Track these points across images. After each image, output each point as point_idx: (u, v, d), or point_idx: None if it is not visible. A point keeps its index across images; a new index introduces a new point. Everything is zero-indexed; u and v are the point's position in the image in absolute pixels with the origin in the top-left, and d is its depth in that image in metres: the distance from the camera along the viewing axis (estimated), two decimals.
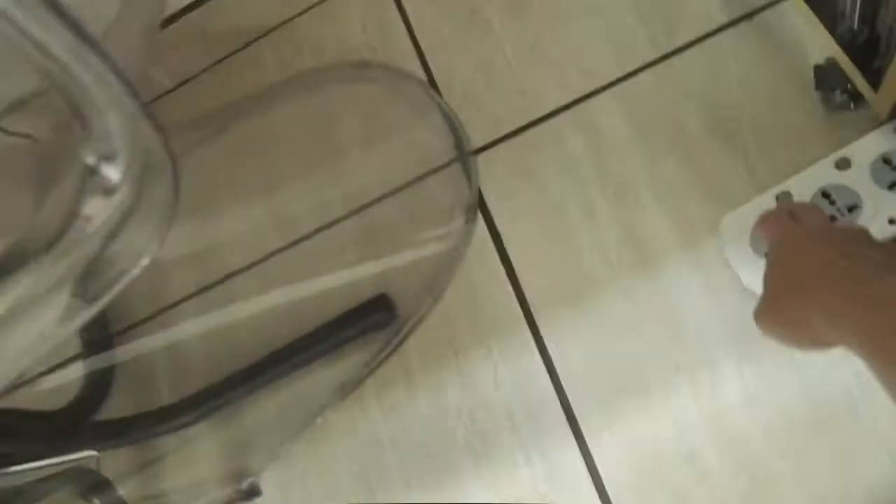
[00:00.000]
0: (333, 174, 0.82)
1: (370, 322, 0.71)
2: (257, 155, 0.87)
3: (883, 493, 0.55)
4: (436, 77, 0.82)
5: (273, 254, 0.80)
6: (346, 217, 0.79)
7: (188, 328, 0.81)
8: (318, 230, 0.79)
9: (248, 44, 0.94)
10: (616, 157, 0.71)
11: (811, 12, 0.62)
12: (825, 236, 0.45)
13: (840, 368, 0.58)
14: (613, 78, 0.74)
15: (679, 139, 0.69)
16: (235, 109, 0.92)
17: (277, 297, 0.78)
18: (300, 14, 0.93)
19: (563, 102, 0.75)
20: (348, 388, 0.70)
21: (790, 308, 0.44)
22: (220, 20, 0.99)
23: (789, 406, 0.58)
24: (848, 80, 0.60)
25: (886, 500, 0.54)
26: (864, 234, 0.45)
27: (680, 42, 0.72)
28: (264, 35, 0.94)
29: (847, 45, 0.60)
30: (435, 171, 0.77)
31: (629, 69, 0.73)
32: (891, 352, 0.34)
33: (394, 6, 0.87)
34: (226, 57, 0.95)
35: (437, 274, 0.73)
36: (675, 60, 0.72)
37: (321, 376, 0.72)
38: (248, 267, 0.81)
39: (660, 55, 0.73)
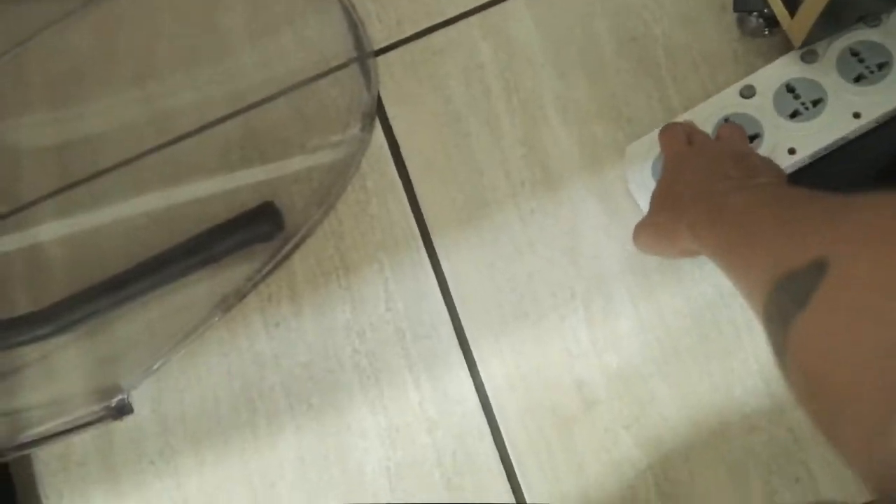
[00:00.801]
0: (217, 67, 0.73)
1: (254, 232, 0.66)
2: (131, 37, 0.77)
3: (753, 418, 0.57)
4: None
5: (147, 152, 0.72)
6: (230, 116, 0.71)
7: (48, 230, 0.73)
8: (200, 129, 0.72)
9: None
10: (525, 69, 0.66)
11: None
12: (707, 158, 0.50)
13: (728, 300, 0.58)
14: None
15: (592, 55, 0.65)
16: None
17: (151, 200, 0.70)
18: None
19: (473, 5, 0.69)
20: (230, 302, 0.65)
21: (663, 222, 0.50)
22: None
23: (677, 334, 0.58)
24: (766, 3, 0.58)
25: (754, 425, 0.57)
26: (738, 156, 0.49)
27: None
28: None
29: None
30: (331, 71, 0.70)
31: None
32: (737, 262, 0.39)
33: None
34: None
35: (329, 184, 0.67)
36: None
37: (200, 288, 0.66)
38: (119, 165, 0.73)
39: None
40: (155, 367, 0.65)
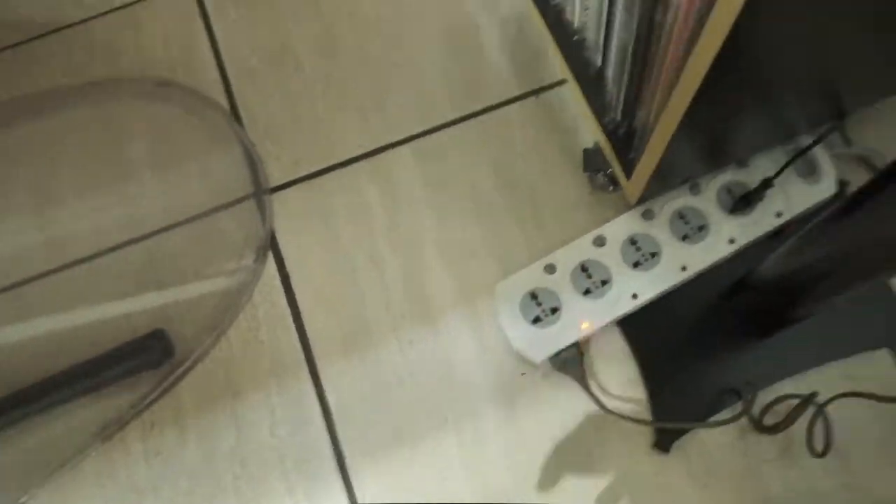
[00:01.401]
0: (118, 195, 0.77)
1: (142, 360, 0.68)
2: (33, 163, 0.80)
3: None
4: (239, 107, 0.80)
5: (40, 276, 0.74)
6: (127, 243, 0.74)
7: None
8: (96, 255, 0.74)
9: (35, 38, 0.86)
10: (408, 210, 0.73)
11: (584, 99, 0.69)
12: None
13: (577, 424, 0.64)
14: (413, 133, 0.77)
15: (468, 200, 0.73)
16: (12, 108, 0.84)
17: (39, 325, 0.71)
18: (98, 16, 0.87)
19: (363, 150, 0.76)
20: (111, 430, 0.66)
21: None
22: (7, 7, 0.90)
23: (539, 456, 0.64)
24: (608, 165, 0.68)
25: None
26: None
27: (477, 107, 0.77)
28: (55, 31, 0.87)
29: (610, 133, 0.67)
30: (229, 205, 0.75)
31: (429, 126, 0.77)
32: None
33: (202, 27, 0.84)
34: (8, 48, 0.86)
35: (221, 311, 0.71)
36: (471, 123, 0.77)
37: (81, 415, 0.67)
38: (9, 288, 0.74)
39: (458, 116, 0.77)
40: (22, 500, 0.64)
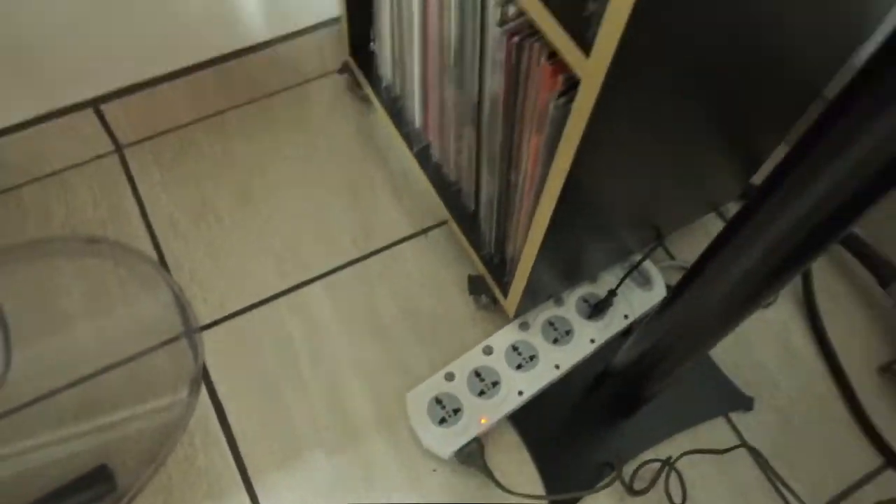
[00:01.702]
0: (55, 344, 0.84)
1: (87, 496, 0.73)
2: None
3: None
4: (166, 256, 0.90)
5: None
6: (66, 387, 0.81)
7: None
8: (36, 400, 0.80)
9: None
10: (325, 337, 0.85)
11: (463, 236, 0.85)
12: None
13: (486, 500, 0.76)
14: (323, 270, 0.90)
15: (375, 325, 0.86)
16: None
17: None
18: (29, 182, 0.96)
19: (281, 288, 0.88)
20: None
21: None
22: None
23: None
24: (489, 288, 0.84)
25: None
26: None
27: (376, 245, 0.92)
28: None
29: (487, 263, 0.83)
30: (161, 344, 0.84)
31: (336, 264, 0.90)
32: None
33: (128, 187, 0.95)
34: None
35: (159, 444, 0.78)
36: (373, 259, 0.91)
37: None
38: None
39: (360, 255, 0.91)
40: None
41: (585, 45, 0.46)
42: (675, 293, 0.61)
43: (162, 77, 0.92)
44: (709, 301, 0.57)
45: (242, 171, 0.97)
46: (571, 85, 0.52)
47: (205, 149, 0.98)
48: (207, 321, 0.86)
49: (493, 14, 0.57)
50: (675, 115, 0.60)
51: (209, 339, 0.85)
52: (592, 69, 0.46)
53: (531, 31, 0.55)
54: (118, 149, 0.98)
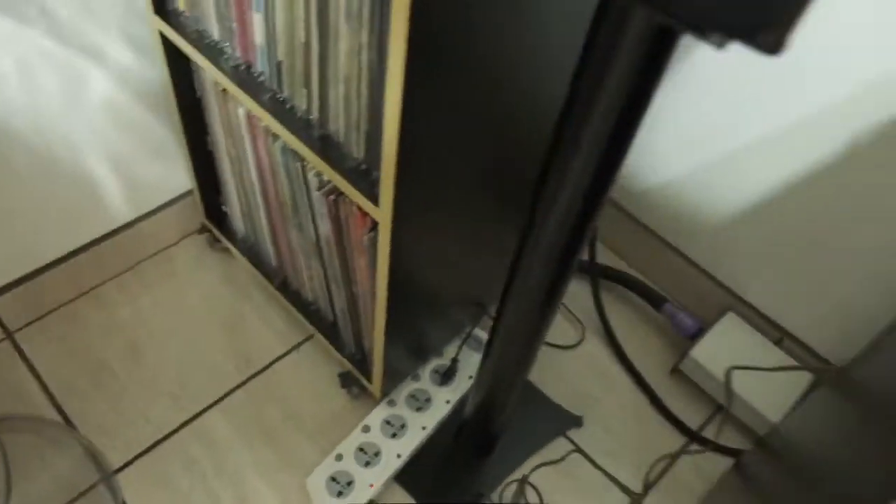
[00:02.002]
0: None
1: None
2: None
3: None
4: (71, 417, 1.02)
5: None
6: None
7: None
8: None
9: None
10: (227, 453, 1.00)
11: (328, 343, 1.05)
12: None
13: None
14: (215, 398, 1.06)
15: (269, 432, 1.03)
16: None
17: None
18: None
19: (181, 421, 1.03)
20: None
21: None
22: None
23: None
24: (358, 380, 1.03)
25: None
26: None
27: (257, 367, 1.09)
28: None
29: (352, 360, 1.03)
30: (80, 495, 0.96)
31: (225, 391, 1.07)
32: None
33: (24, 366, 1.07)
34: None
35: None
36: (255, 380, 1.08)
37: None
38: None
39: (245, 378, 1.08)
40: None
41: (375, 200, 0.69)
42: (484, 351, 0.84)
43: (43, 267, 1.07)
44: (506, 351, 0.80)
45: (128, 331, 1.12)
46: (375, 224, 0.76)
47: (90, 318, 1.12)
48: (120, 464, 0.99)
49: (313, 182, 0.80)
50: (456, 228, 0.85)
51: (125, 479, 0.98)
52: (383, 214, 0.69)
53: (341, 191, 0.78)
54: (9, 335, 1.09)
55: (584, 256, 1.24)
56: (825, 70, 0.87)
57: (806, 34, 0.86)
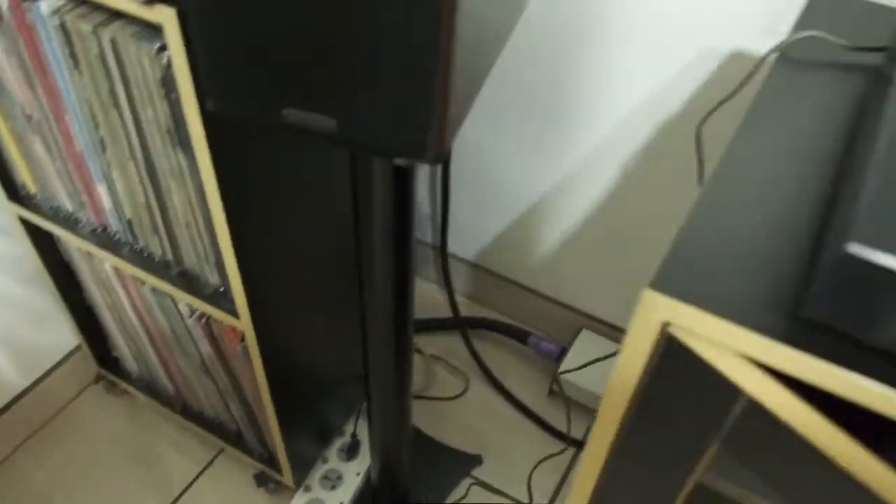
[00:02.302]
0: None
1: None
2: None
3: None
4: None
5: None
6: None
7: None
8: None
9: None
10: None
11: (239, 451, 1.14)
12: None
13: None
14: None
15: None
16: None
17: None
18: None
19: None
20: None
21: None
22: None
23: None
24: (272, 476, 1.13)
25: None
26: None
27: (178, 491, 1.16)
28: None
29: (262, 460, 1.13)
30: None
31: None
32: None
33: None
34: None
35: None
36: (179, 501, 1.15)
37: None
38: None
39: (170, 502, 1.15)
40: None
41: (236, 314, 0.82)
42: (367, 419, 0.97)
43: None
44: (382, 414, 0.93)
45: (45, 495, 1.17)
46: (244, 334, 0.88)
47: (5, 492, 1.17)
48: None
49: (185, 311, 0.92)
50: (315, 318, 0.99)
51: None
52: (245, 324, 0.82)
53: (209, 313, 0.90)
54: None
55: (450, 314, 1.39)
56: (589, 122, 1.08)
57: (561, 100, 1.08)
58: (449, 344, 1.39)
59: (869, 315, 0.30)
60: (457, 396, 1.31)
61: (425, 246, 1.45)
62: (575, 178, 1.15)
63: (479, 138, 1.22)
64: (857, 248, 0.29)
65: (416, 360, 1.36)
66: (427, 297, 1.48)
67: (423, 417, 1.27)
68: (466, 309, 1.46)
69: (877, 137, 0.35)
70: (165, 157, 0.71)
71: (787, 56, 0.53)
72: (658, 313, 0.37)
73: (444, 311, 1.44)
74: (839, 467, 0.32)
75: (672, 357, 0.38)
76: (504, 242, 1.33)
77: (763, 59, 0.53)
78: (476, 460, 1.22)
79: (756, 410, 0.35)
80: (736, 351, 0.35)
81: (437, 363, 1.36)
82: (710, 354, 0.36)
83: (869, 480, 0.32)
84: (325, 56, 0.44)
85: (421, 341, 1.40)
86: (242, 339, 0.89)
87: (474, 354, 1.36)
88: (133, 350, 1.15)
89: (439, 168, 1.27)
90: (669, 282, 0.36)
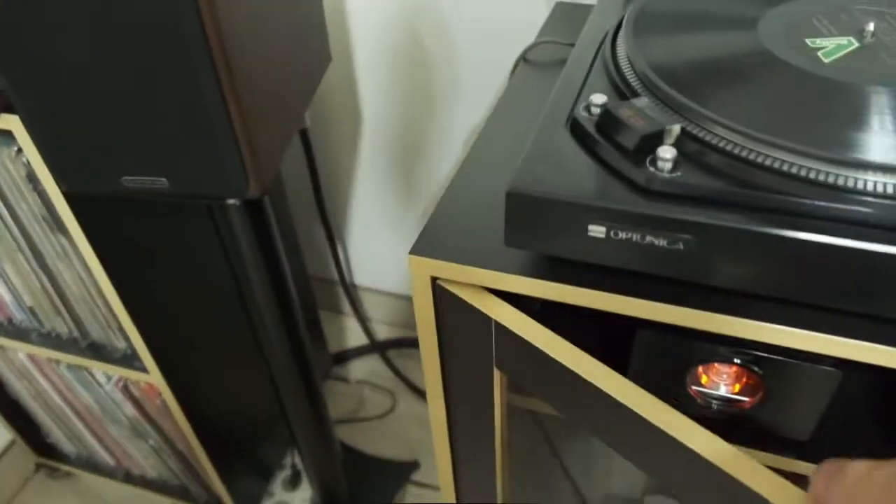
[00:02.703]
0: None
1: None
2: None
3: None
4: None
5: None
6: None
7: None
8: None
9: None
10: None
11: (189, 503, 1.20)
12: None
13: None
14: None
15: None
16: None
17: None
18: None
19: None
20: None
21: None
22: None
23: None
24: None
25: None
26: None
27: None
28: None
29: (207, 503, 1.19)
30: None
31: None
32: None
33: None
34: None
35: None
36: None
37: None
38: None
39: None
40: None
41: (146, 371, 0.90)
42: (297, 447, 1.05)
43: None
44: (306, 437, 1.02)
45: None
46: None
47: None
48: None
49: (103, 380, 0.99)
50: (223, 361, 1.07)
51: None
52: (156, 378, 0.90)
53: (124, 377, 0.98)
54: None
55: (365, 340, 1.49)
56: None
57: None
58: (372, 367, 1.48)
59: (544, 234, 0.42)
60: (387, 413, 1.40)
61: (333, 283, 1.55)
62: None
63: (348, 175, 1.33)
64: (514, 186, 0.41)
65: (343, 387, 1.45)
66: (349, 329, 1.57)
67: (358, 438, 1.36)
68: (386, 332, 1.55)
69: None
70: (48, 243, 0.80)
71: (528, 59, 0.66)
72: (424, 270, 0.48)
73: (364, 339, 1.53)
74: (573, 372, 0.44)
75: (445, 302, 0.49)
76: (403, 262, 1.44)
77: (515, 65, 0.66)
78: (414, 466, 1.31)
79: (504, 332, 0.47)
80: (480, 286, 0.47)
81: (364, 386, 1.45)
82: (465, 293, 0.47)
83: (598, 383, 0.43)
84: (137, 127, 0.54)
85: (345, 370, 1.49)
86: (160, 395, 0.97)
87: (395, 371, 1.46)
88: (66, 432, 1.21)
89: (315, 204, 1.37)
90: (426, 244, 0.48)
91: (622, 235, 0.39)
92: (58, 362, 1.00)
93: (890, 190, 0.36)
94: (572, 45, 0.62)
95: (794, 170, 0.37)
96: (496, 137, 0.56)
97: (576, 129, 0.43)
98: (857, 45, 0.46)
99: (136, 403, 1.01)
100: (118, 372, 0.93)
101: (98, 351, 0.93)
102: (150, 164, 0.56)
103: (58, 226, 0.76)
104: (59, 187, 0.61)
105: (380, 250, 1.44)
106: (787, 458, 0.50)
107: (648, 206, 0.38)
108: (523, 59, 0.67)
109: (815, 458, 0.50)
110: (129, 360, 0.92)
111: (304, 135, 1.09)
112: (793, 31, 0.48)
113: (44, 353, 0.95)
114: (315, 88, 0.72)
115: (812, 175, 0.37)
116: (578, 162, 0.41)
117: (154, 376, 0.90)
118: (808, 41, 0.47)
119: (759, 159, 0.38)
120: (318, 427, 1.03)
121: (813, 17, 0.49)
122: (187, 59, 0.50)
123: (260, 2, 0.57)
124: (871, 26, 0.46)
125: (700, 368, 0.50)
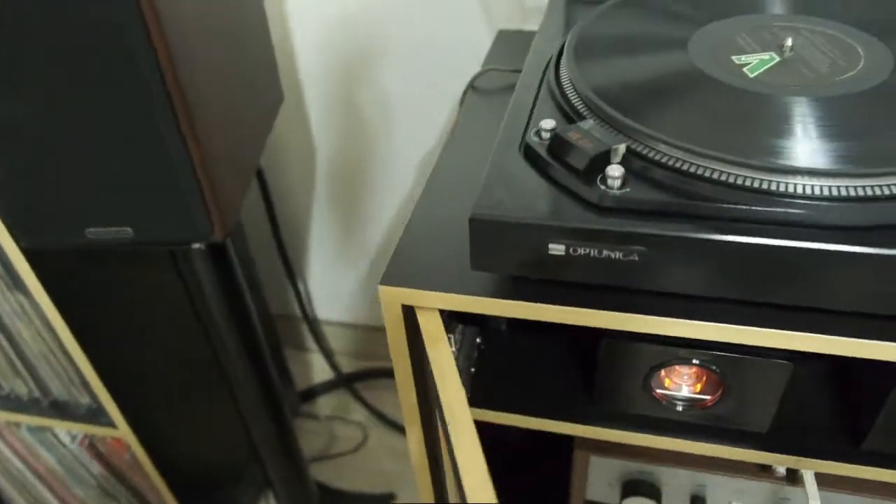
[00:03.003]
0: None
1: None
2: None
3: None
4: None
5: None
6: None
7: None
8: None
9: None
10: None
11: None
12: None
13: None
14: None
15: None
16: None
17: None
18: None
19: None
20: None
21: None
22: None
23: None
24: None
25: None
26: None
27: None
28: None
29: None
30: None
31: None
32: None
33: None
34: None
35: None
36: None
37: None
38: None
39: None
40: None
41: (113, 426, 0.89)
42: (273, 487, 1.04)
43: None
44: (282, 476, 1.01)
45: None
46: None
47: None
48: None
49: (66, 440, 0.97)
50: (188, 406, 1.06)
51: None
52: (124, 432, 0.89)
53: (89, 434, 0.96)
54: None
55: (331, 374, 1.49)
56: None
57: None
58: (340, 401, 1.48)
59: (508, 255, 0.44)
60: (359, 447, 1.40)
61: (295, 319, 1.54)
62: (397, 224, 1.29)
63: (305, 211, 1.34)
64: (476, 212, 0.43)
65: (313, 424, 1.44)
66: (314, 364, 1.57)
67: (332, 475, 1.35)
68: (351, 364, 1.55)
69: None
70: (6, 302, 0.79)
71: (476, 87, 0.69)
72: (395, 299, 0.49)
73: (330, 374, 1.53)
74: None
75: (412, 324, 0.50)
76: (364, 293, 1.45)
77: (465, 93, 0.69)
78: (389, 498, 1.30)
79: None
80: (435, 308, 0.48)
81: (334, 422, 1.45)
82: (420, 315, 0.49)
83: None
84: (99, 179, 0.55)
85: (314, 407, 1.48)
86: (129, 449, 0.95)
87: (365, 404, 1.46)
88: (29, 499, 1.17)
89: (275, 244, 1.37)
90: (395, 274, 0.49)
91: (581, 251, 0.42)
92: (18, 425, 0.97)
93: (817, 192, 0.39)
94: (518, 71, 0.65)
95: (730, 179, 0.40)
96: (452, 166, 0.59)
97: (529, 153, 0.46)
98: (777, 59, 0.50)
99: (103, 460, 0.99)
100: (83, 429, 0.91)
101: (61, 409, 0.92)
102: (114, 214, 0.56)
103: (15, 283, 0.75)
104: (18, 244, 0.60)
105: (337, 281, 1.45)
106: (750, 449, 0.53)
107: (602, 222, 0.41)
108: (471, 87, 0.70)
109: (775, 449, 0.53)
110: (94, 415, 0.91)
111: (259, 174, 1.10)
112: (720, 50, 0.51)
113: (3, 416, 0.93)
114: (271, 127, 0.74)
115: (747, 182, 0.40)
116: (534, 185, 0.44)
117: (122, 430, 0.89)
118: (734, 58, 0.50)
119: (699, 171, 0.41)
120: (292, 466, 1.03)
121: (737, 35, 0.53)
122: (148, 105, 0.51)
123: (214, 45, 0.59)
124: (789, 41, 0.50)
125: (662, 372, 0.52)
